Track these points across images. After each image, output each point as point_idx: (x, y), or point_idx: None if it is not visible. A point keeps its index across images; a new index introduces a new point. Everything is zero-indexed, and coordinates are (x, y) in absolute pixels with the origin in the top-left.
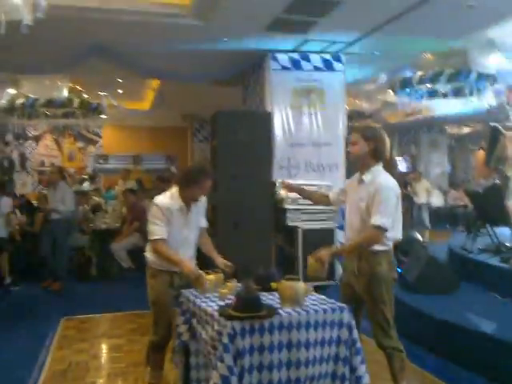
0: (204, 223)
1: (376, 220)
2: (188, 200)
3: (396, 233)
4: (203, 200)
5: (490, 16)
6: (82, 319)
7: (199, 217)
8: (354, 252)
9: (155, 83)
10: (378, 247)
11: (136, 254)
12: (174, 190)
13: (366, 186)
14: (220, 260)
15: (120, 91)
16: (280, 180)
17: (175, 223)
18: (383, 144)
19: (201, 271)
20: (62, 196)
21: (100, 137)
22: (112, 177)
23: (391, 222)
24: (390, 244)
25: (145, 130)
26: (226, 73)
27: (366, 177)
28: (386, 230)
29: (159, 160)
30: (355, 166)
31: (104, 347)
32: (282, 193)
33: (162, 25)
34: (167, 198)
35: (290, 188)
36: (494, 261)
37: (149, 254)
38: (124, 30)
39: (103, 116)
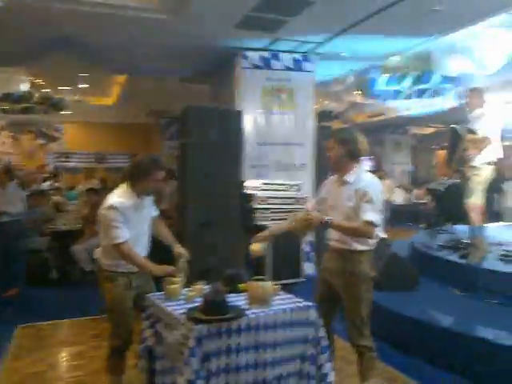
0: (155, 212)
1: (368, 216)
2: (141, 194)
3: (379, 232)
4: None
5: (454, 20)
6: (39, 327)
7: (150, 208)
8: (340, 231)
9: (121, 78)
10: (362, 247)
11: None
12: (125, 185)
13: (351, 185)
14: (177, 249)
15: (83, 86)
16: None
17: (131, 220)
18: (357, 144)
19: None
20: (11, 197)
21: (62, 133)
22: (74, 175)
23: (379, 219)
24: (372, 243)
25: (109, 127)
26: (195, 69)
27: (350, 177)
28: (377, 226)
29: (124, 158)
30: (336, 169)
31: (63, 355)
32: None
33: (130, 18)
34: (121, 197)
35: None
36: (454, 257)
37: (103, 258)
38: (90, 22)
39: (65, 112)
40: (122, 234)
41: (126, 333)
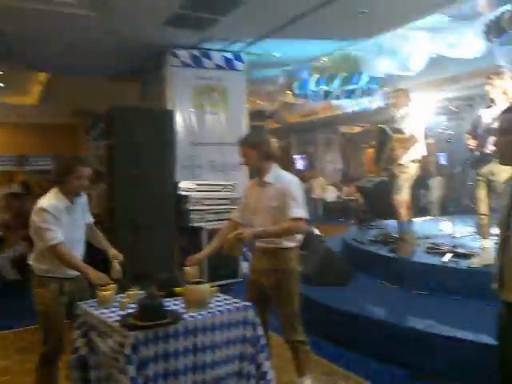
0: (90, 218)
1: (295, 212)
2: (70, 196)
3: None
4: (84, 197)
5: (381, 23)
6: None
7: (84, 214)
8: (273, 237)
9: (43, 76)
10: (291, 243)
11: (23, 264)
12: (56, 189)
13: (272, 185)
14: (113, 251)
15: (1, 85)
16: None
17: (63, 224)
18: (269, 144)
19: (106, 276)
20: None
21: None
22: None
23: (305, 213)
24: (298, 239)
25: (31, 128)
26: (123, 67)
27: (268, 178)
28: (306, 220)
29: (48, 160)
30: (254, 172)
31: None
32: None
33: (54, 13)
34: (52, 199)
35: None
36: (384, 251)
37: (34, 262)
38: (9, 15)
39: None
40: (56, 235)
41: (56, 339)
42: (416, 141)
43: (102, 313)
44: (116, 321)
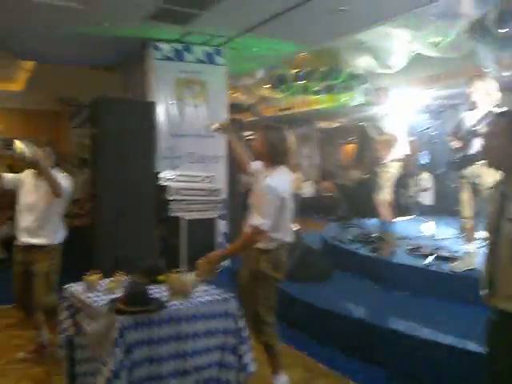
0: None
1: (254, 220)
2: None
3: (282, 235)
4: None
5: (361, 20)
6: None
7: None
8: (238, 252)
9: (29, 64)
10: (259, 245)
11: (9, 243)
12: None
13: (261, 181)
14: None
15: None
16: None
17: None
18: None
19: None
20: None
21: None
22: None
23: (270, 223)
24: (273, 244)
25: (16, 113)
26: (106, 59)
27: (265, 174)
28: (263, 231)
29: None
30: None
31: None
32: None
33: (39, 3)
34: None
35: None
36: (365, 250)
37: None
38: None
39: None
40: None
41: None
42: (396, 140)
43: (88, 297)
44: (103, 305)
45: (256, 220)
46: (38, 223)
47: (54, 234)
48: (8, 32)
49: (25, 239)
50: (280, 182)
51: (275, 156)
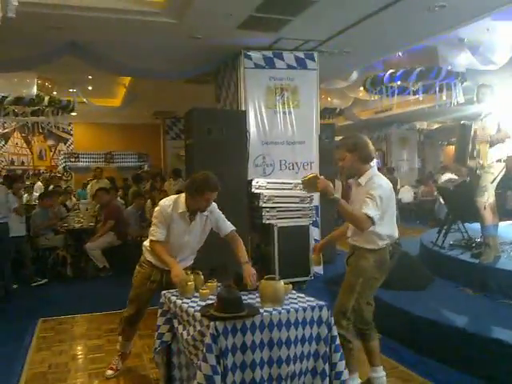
0: (228, 228)
1: (365, 209)
2: (193, 209)
3: (391, 231)
4: (214, 208)
5: (461, 16)
6: (59, 320)
7: (214, 225)
8: (342, 212)
9: (126, 80)
10: (368, 245)
11: (111, 253)
12: (183, 195)
13: (363, 187)
14: (247, 271)
15: (90, 88)
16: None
17: (176, 228)
18: (367, 148)
19: (185, 275)
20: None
21: (70, 134)
22: (83, 175)
23: (379, 216)
24: (382, 244)
25: (116, 128)
26: (199, 71)
27: (362, 180)
28: (373, 222)
29: (131, 157)
30: (350, 174)
31: (83, 348)
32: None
33: (136, 22)
34: (171, 202)
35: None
36: (465, 256)
37: (146, 246)
38: (97, 27)
39: (73, 113)
40: (156, 234)
41: (133, 309)
42: (507, 136)
43: (185, 303)
44: (197, 311)
45: (366, 209)
46: None
47: None
48: (107, 50)
49: None
50: (383, 179)
51: (363, 158)
